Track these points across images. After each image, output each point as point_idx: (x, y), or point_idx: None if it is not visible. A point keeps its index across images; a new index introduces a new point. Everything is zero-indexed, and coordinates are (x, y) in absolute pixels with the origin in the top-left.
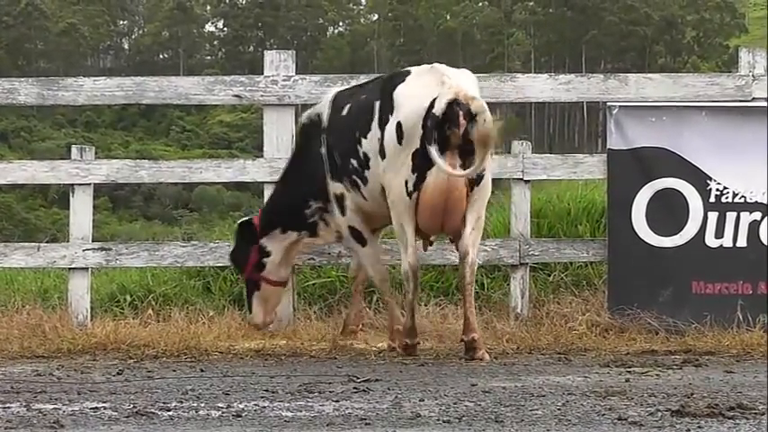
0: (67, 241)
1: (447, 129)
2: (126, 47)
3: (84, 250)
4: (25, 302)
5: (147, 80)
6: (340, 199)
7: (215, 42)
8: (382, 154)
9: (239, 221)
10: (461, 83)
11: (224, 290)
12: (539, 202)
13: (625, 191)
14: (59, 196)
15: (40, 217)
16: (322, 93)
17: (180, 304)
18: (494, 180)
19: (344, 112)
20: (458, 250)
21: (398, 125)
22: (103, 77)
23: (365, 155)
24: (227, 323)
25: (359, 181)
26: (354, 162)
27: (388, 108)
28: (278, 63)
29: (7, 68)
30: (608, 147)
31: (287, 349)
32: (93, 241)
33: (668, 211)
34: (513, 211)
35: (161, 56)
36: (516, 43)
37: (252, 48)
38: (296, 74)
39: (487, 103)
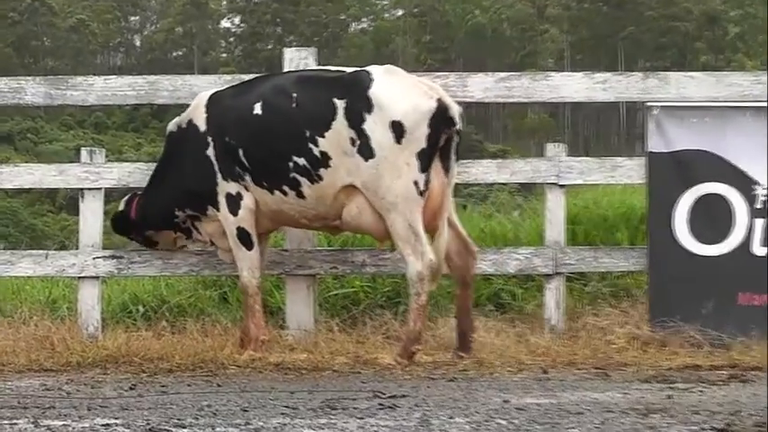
0: (77, 249)
1: (444, 130)
2: (137, 44)
3: (94, 258)
4: (33, 313)
5: (161, 79)
6: (234, 198)
7: (231, 39)
8: (366, 154)
9: (114, 215)
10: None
11: (242, 300)
12: (574, 208)
13: (666, 196)
14: (68, 201)
15: (47, 223)
16: None
17: (195, 315)
18: (527, 185)
19: (255, 111)
20: (438, 251)
21: (397, 124)
22: (114, 76)
23: (324, 153)
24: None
25: (303, 180)
26: (301, 160)
27: (362, 107)
28: (298, 61)
29: (13, 67)
30: (647, 149)
31: (308, 363)
32: (103, 249)
33: (712, 218)
34: (548, 217)
35: (174, 53)
36: (550, 40)
37: (270, 45)
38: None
39: (520, 104)
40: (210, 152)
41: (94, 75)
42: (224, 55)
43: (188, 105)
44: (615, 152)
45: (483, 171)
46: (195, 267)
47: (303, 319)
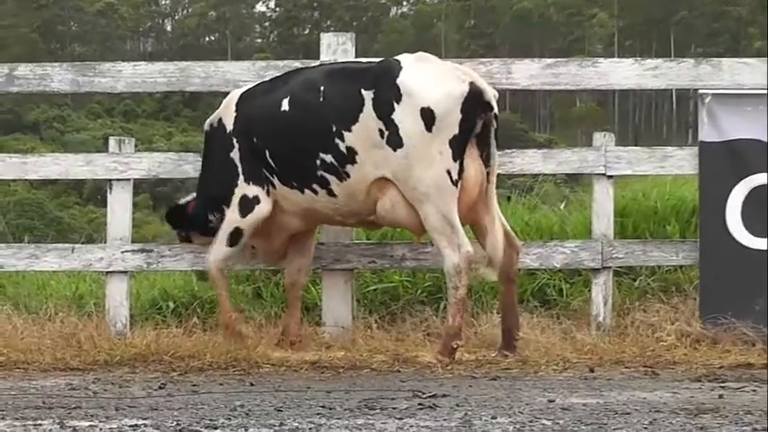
0: (104, 242)
1: (479, 115)
2: (168, 29)
3: (122, 252)
4: (58, 309)
5: (192, 65)
6: (249, 202)
7: (266, 24)
8: (395, 144)
9: (172, 207)
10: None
11: (276, 296)
12: (623, 200)
13: (718, 187)
14: (96, 193)
15: (74, 216)
16: None
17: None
18: (573, 175)
19: (282, 108)
20: (490, 244)
21: (426, 111)
22: (144, 62)
23: (350, 149)
24: (279, 332)
25: (331, 178)
26: (328, 157)
27: (390, 97)
28: (335, 47)
29: (40, 53)
30: (699, 139)
31: (345, 361)
32: (132, 242)
33: (765, 210)
34: (595, 209)
35: (207, 39)
36: (598, 25)
37: (307, 30)
38: (355, 59)
39: (567, 91)
40: (235, 154)
41: (123, 61)
42: (259, 40)
43: (221, 93)
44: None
45: (528, 161)
46: (228, 262)
47: (340, 315)
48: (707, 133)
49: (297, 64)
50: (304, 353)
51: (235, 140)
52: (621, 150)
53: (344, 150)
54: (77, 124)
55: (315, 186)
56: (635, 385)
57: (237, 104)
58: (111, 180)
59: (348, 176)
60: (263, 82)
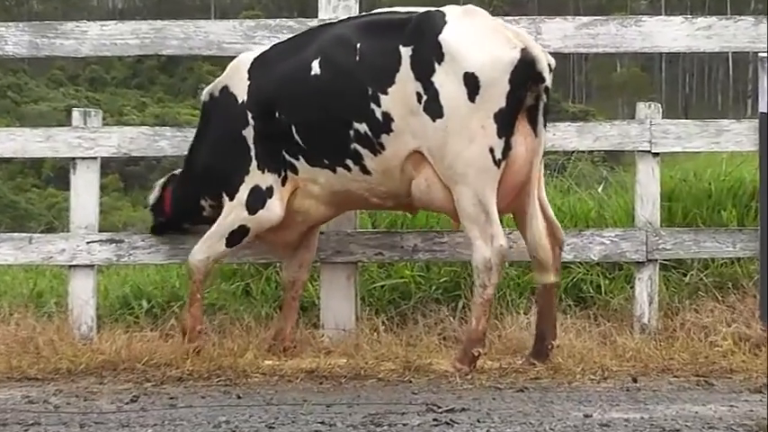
0: (67, 231)
1: (531, 87)
2: None
3: (88, 243)
4: (14, 309)
5: (170, 25)
6: (261, 194)
7: None
8: (434, 112)
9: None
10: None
11: (267, 293)
12: (671, 181)
13: None
14: (57, 173)
15: (32, 200)
16: None
17: (211, 312)
18: (614, 153)
19: (313, 71)
20: (533, 238)
21: (470, 77)
22: (113, 21)
23: (386, 115)
24: (271, 336)
25: (365, 152)
26: (362, 126)
27: (430, 55)
28: (336, 2)
29: None
30: (760, 110)
31: (347, 370)
32: (99, 231)
33: None
34: (639, 192)
35: None
36: None
37: None
38: (358, 12)
39: (606, 54)
40: (248, 132)
41: (89, 20)
42: None
43: (202, 57)
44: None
45: (561, 136)
46: (219, 263)
47: (342, 316)
48: None
49: (291, 23)
50: (300, 360)
51: (250, 116)
52: (669, 123)
53: (380, 117)
54: (36, 94)
55: (348, 162)
56: (685, 397)
57: (251, 71)
58: (74, 158)
59: (383, 149)
60: (280, 43)
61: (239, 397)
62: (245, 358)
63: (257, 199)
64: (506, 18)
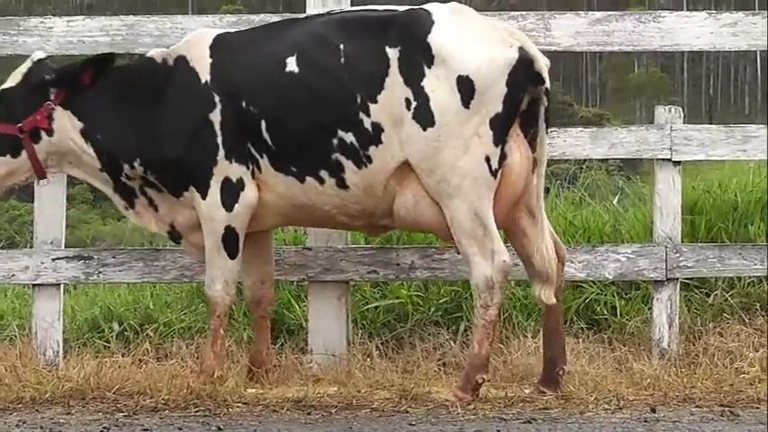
0: (31, 246)
1: (528, 89)
2: None
3: (54, 260)
4: None
5: (143, 20)
6: (233, 187)
7: None
8: (424, 120)
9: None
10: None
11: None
12: (693, 193)
13: None
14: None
15: None
16: None
17: (188, 336)
18: (631, 161)
19: (288, 68)
20: (541, 255)
21: (464, 81)
22: (81, 17)
23: (376, 125)
24: (247, 363)
25: (347, 163)
26: (348, 136)
27: (419, 58)
28: None
29: None
30: None
31: (338, 399)
32: (66, 247)
33: None
34: (658, 204)
35: None
36: None
37: None
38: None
39: (622, 53)
40: (215, 117)
41: (55, 15)
42: None
43: None
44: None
45: (572, 143)
46: (188, 272)
47: (332, 339)
48: None
49: (276, 19)
50: (285, 388)
51: (217, 98)
52: (692, 129)
53: (369, 127)
54: None
55: (322, 174)
56: (708, 429)
57: (213, 49)
58: None
59: (370, 162)
60: (245, 30)
61: (220, 429)
62: (225, 386)
63: (229, 193)
64: (512, 13)
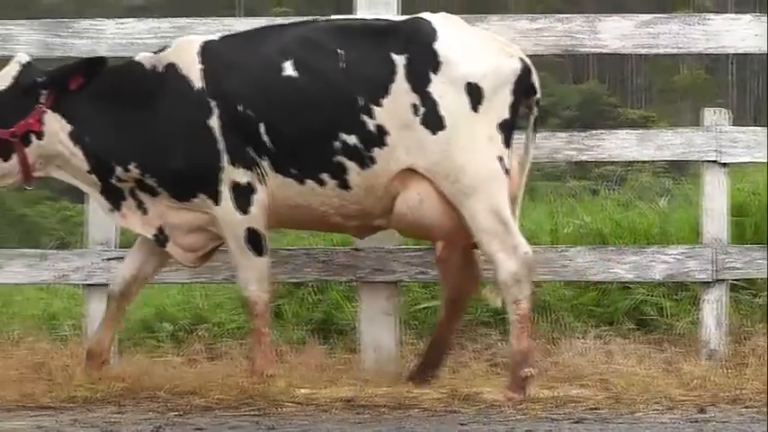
0: (83, 247)
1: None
2: None
3: (105, 260)
4: (26, 332)
5: (194, 23)
6: (244, 191)
7: None
8: (434, 125)
9: None
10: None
11: (301, 316)
12: (740, 195)
13: None
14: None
15: (43, 214)
16: None
17: (240, 336)
18: (677, 163)
19: (285, 72)
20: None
21: (473, 87)
22: (132, 19)
23: (380, 128)
24: (304, 362)
25: (351, 165)
26: (351, 138)
27: (426, 65)
28: (375, 0)
29: (1, 8)
30: None
31: (388, 399)
32: (118, 247)
33: None
34: (705, 206)
35: None
36: None
37: None
38: (400, 14)
39: (668, 55)
40: (214, 122)
41: (105, 17)
42: None
43: None
44: None
45: (619, 145)
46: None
47: (382, 340)
48: None
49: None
50: (336, 388)
51: (213, 104)
52: (739, 131)
53: (374, 129)
54: None
55: (323, 176)
56: (758, 430)
57: (202, 55)
58: None
59: (373, 163)
60: (230, 35)
61: (271, 428)
62: (276, 385)
63: (242, 197)
64: (559, 15)
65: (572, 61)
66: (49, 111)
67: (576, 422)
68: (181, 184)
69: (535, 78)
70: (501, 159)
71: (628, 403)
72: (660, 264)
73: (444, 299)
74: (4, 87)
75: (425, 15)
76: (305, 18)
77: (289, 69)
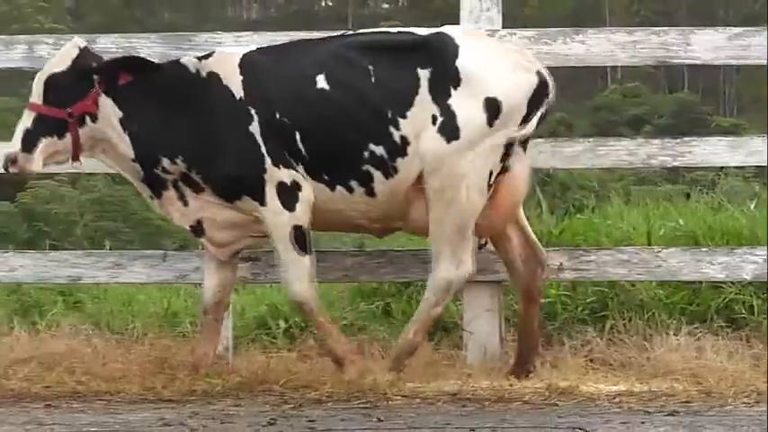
0: (201, 248)
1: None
2: None
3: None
4: (147, 329)
5: (308, 36)
6: (290, 189)
7: None
8: (449, 134)
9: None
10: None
11: (408, 314)
12: None
13: None
14: None
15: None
16: (537, 52)
17: (350, 333)
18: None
19: (319, 85)
20: (520, 255)
21: (492, 102)
22: (248, 32)
23: (404, 138)
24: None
25: (377, 174)
26: (378, 149)
27: (448, 79)
28: (479, 13)
29: (124, 22)
30: None
31: (491, 392)
32: None
33: None
34: None
35: (323, 4)
36: None
37: None
38: (503, 28)
39: (759, 66)
40: (255, 128)
41: (223, 31)
42: (386, 6)
43: None
44: None
45: (710, 151)
46: (350, 272)
47: (485, 337)
48: None
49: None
50: (442, 382)
51: (253, 111)
52: None
53: (398, 140)
54: None
55: (352, 184)
56: None
57: (242, 67)
58: None
59: (396, 172)
60: (264, 48)
61: (380, 420)
62: (386, 379)
63: (288, 195)
64: (654, 29)
65: (666, 72)
66: (103, 95)
67: (668, 415)
68: (227, 186)
69: (551, 89)
70: (491, 174)
71: (718, 397)
72: (749, 264)
73: (519, 291)
74: (63, 69)
75: (449, 29)
76: (338, 33)
77: (322, 83)
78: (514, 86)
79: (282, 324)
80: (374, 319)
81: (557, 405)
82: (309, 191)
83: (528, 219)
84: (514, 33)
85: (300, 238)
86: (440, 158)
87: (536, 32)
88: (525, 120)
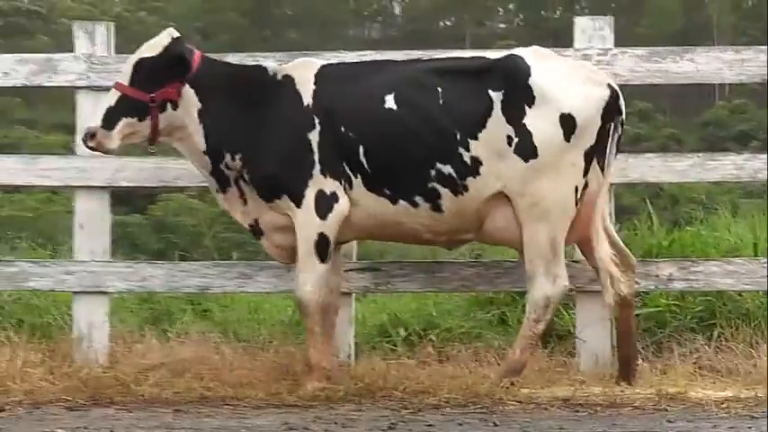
0: None
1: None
2: (397, 12)
3: (346, 270)
4: (272, 337)
5: (426, 55)
6: (328, 199)
7: (510, 6)
8: (527, 153)
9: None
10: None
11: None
12: None
13: None
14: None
15: None
16: (647, 70)
17: (467, 340)
18: None
19: (387, 105)
20: (599, 263)
21: (567, 118)
22: (370, 51)
23: (475, 159)
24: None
25: (444, 191)
26: (446, 168)
27: (522, 99)
28: (591, 32)
29: (250, 41)
30: None
31: (604, 398)
32: (358, 259)
33: None
34: None
35: (442, 24)
36: None
37: (558, 13)
38: (615, 46)
39: None
40: (314, 137)
41: (346, 49)
42: (502, 25)
43: None
44: None
45: None
46: (468, 282)
47: (598, 344)
48: None
49: (546, 52)
50: (555, 388)
51: (317, 121)
52: None
53: (468, 161)
54: None
55: (417, 199)
56: None
57: (318, 77)
58: None
59: (466, 190)
60: (347, 63)
61: (496, 424)
62: (501, 385)
63: (324, 204)
64: (762, 48)
65: None
66: (187, 85)
67: None
68: (269, 184)
69: (622, 102)
70: (576, 189)
71: None
72: None
73: (612, 297)
74: (153, 54)
75: (519, 51)
76: (413, 56)
77: (390, 102)
78: (587, 101)
79: (402, 332)
80: (490, 328)
81: (666, 410)
82: (345, 206)
83: (638, 231)
84: (626, 52)
85: (323, 247)
86: (521, 178)
87: (647, 51)
88: (601, 133)
